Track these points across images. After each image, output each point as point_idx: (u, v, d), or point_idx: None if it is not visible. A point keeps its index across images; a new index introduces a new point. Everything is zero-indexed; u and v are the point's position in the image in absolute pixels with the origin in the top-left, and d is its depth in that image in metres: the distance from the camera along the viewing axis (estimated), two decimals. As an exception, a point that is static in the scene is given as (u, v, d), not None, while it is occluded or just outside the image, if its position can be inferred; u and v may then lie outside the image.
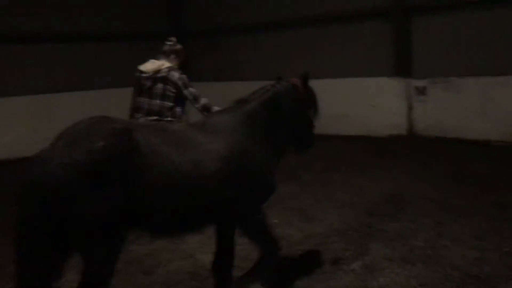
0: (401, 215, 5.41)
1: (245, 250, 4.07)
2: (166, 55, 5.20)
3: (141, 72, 5.13)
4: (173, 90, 5.01)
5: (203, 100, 4.99)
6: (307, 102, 3.85)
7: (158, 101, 5.02)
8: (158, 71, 5.07)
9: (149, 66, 5.16)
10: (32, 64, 10.50)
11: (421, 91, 9.13)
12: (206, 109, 4.97)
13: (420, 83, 9.16)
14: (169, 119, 5.00)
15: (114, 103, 10.87)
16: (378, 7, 9.52)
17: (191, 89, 5.02)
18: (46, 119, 10.23)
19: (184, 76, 5.06)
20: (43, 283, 2.56)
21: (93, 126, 2.67)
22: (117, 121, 2.80)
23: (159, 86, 5.02)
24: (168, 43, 5.26)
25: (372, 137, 9.57)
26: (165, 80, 5.01)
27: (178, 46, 5.28)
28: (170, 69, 5.07)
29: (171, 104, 5.02)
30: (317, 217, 5.50)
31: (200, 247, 4.80)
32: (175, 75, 5.02)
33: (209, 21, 12.19)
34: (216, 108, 4.73)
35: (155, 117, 4.96)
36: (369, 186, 6.52)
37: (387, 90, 9.49)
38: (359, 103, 9.75)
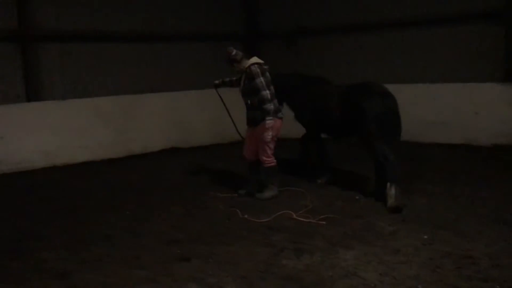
0: None
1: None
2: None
3: (264, 65, 6.27)
4: None
5: None
6: None
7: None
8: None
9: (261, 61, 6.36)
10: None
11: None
12: None
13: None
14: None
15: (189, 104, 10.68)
16: (488, 8, 8.90)
17: None
18: (130, 120, 10.05)
19: None
20: None
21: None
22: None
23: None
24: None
25: (474, 146, 8.96)
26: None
27: None
28: None
29: None
30: (470, 235, 4.92)
31: (358, 264, 4.34)
32: None
33: (285, 23, 11.78)
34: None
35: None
36: (510, 200, 5.94)
37: (493, 96, 8.86)
38: (462, 110, 9.15)
